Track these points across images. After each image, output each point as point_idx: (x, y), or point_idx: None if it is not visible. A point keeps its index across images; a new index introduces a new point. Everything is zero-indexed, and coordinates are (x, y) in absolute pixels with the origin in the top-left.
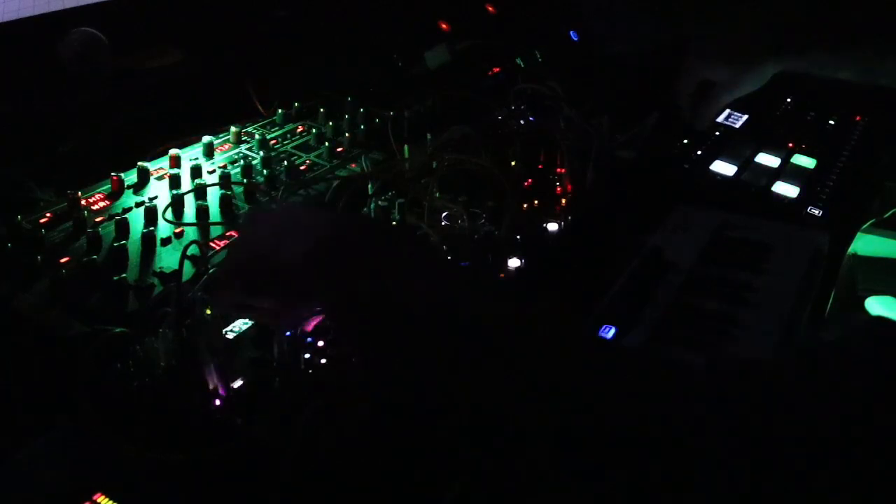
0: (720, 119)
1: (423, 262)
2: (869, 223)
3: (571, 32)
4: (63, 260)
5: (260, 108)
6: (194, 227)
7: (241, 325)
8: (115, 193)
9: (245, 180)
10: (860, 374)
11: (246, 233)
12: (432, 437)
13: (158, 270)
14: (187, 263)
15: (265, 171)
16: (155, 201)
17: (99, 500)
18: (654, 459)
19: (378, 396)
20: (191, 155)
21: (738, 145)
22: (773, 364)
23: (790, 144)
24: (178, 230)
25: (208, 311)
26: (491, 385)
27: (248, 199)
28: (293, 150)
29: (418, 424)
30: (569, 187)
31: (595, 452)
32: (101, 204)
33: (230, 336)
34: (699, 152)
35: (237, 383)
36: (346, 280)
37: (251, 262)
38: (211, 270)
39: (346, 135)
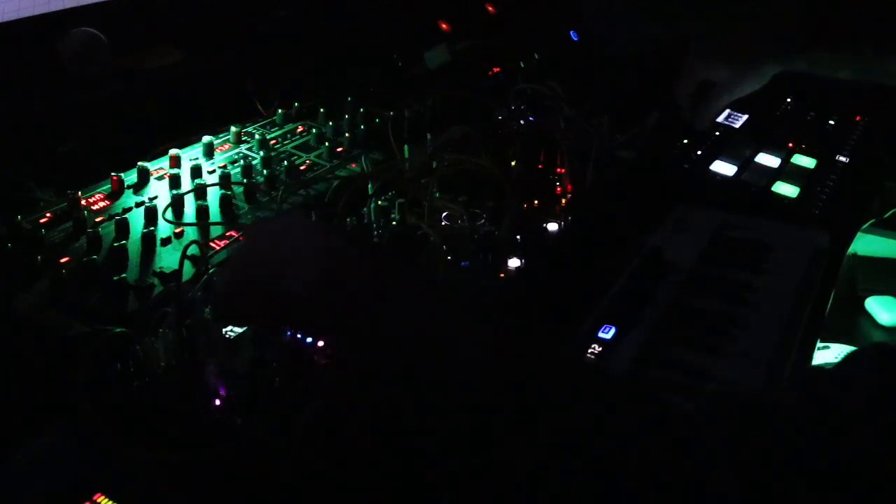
0: (720, 119)
1: (423, 294)
2: (869, 223)
3: (571, 32)
4: (63, 260)
5: (260, 108)
6: (194, 227)
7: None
8: (115, 193)
9: (245, 180)
10: (862, 404)
11: (249, 246)
12: (432, 438)
13: (158, 270)
14: (187, 263)
15: (265, 171)
16: (155, 201)
17: (99, 500)
18: (651, 492)
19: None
20: (191, 155)
21: (738, 145)
22: (774, 396)
23: (790, 144)
24: (178, 230)
25: (208, 311)
26: (485, 412)
27: (248, 199)
28: (293, 150)
29: (417, 427)
30: (569, 187)
31: (588, 482)
32: (101, 204)
33: (230, 336)
34: (699, 152)
35: (238, 383)
36: (347, 312)
37: (252, 279)
38: (211, 270)
39: (346, 135)
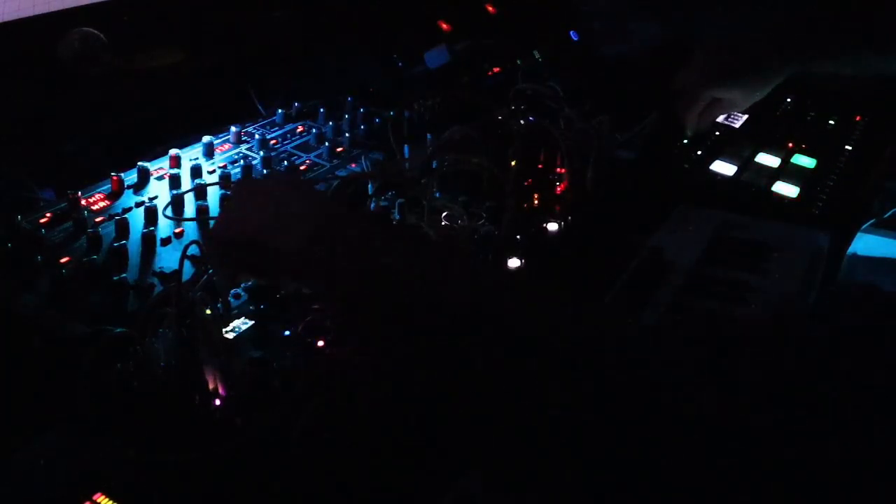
0: (720, 119)
1: (419, 253)
2: (869, 223)
3: (571, 32)
4: (63, 260)
5: (260, 108)
6: (194, 227)
7: (241, 324)
8: (115, 193)
9: None
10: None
11: (238, 202)
12: (432, 434)
13: (158, 270)
14: (187, 263)
15: (265, 171)
16: (155, 201)
17: (99, 500)
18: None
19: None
20: (191, 155)
21: (738, 145)
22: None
23: (790, 144)
24: (178, 230)
25: (208, 311)
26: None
27: None
28: (293, 150)
29: (417, 422)
30: (568, 187)
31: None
32: (101, 204)
33: (230, 336)
34: (699, 152)
35: (238, 383)
36: (341, 275)
37: (242, 236)
38: (211, 270)
39: (346, 135)
